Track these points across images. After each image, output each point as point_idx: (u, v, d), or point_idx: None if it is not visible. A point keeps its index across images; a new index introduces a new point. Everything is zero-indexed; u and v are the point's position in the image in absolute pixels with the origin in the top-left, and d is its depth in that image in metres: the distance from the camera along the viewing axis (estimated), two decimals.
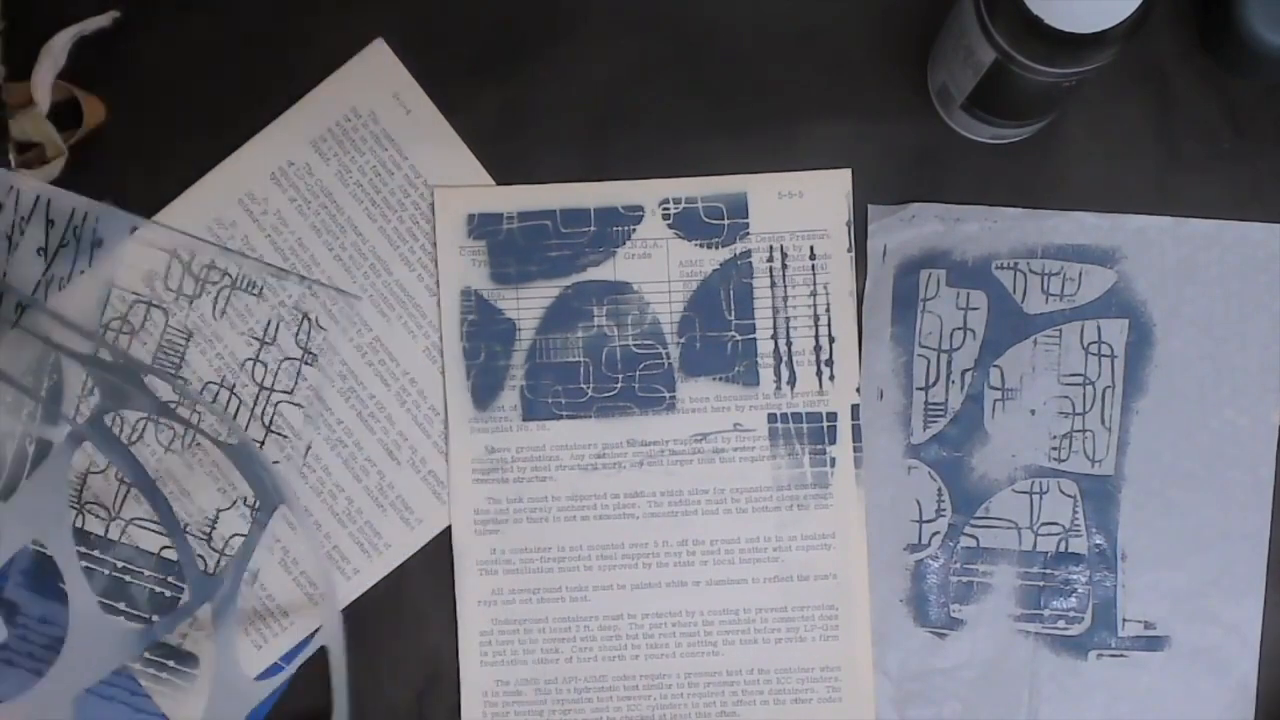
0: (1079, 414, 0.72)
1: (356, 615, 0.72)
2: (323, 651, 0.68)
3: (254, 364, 0.73)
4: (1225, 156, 0.72)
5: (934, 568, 0.72)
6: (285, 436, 0.73)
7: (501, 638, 0.72)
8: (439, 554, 0.72)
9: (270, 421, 0.73)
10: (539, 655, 0.72)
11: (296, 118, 0.73)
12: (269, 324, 0.73)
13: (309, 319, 0.73)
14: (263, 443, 0.72)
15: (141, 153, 0.73)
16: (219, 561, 0.72)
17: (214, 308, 0.73)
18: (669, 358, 0.72)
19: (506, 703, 0.72)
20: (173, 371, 0.73)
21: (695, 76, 0.73)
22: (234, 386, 0.73)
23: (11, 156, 0.72)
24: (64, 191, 0.72)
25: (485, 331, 0.73)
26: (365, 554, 0.72)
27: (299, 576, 0.72)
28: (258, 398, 0.73)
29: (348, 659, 0.72)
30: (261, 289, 0.73)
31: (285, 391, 0.73)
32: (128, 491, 0.72)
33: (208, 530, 0.72)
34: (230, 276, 0.73)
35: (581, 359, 0.73)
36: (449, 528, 0.73)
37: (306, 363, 0.73)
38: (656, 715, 0.72)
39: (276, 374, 0.73)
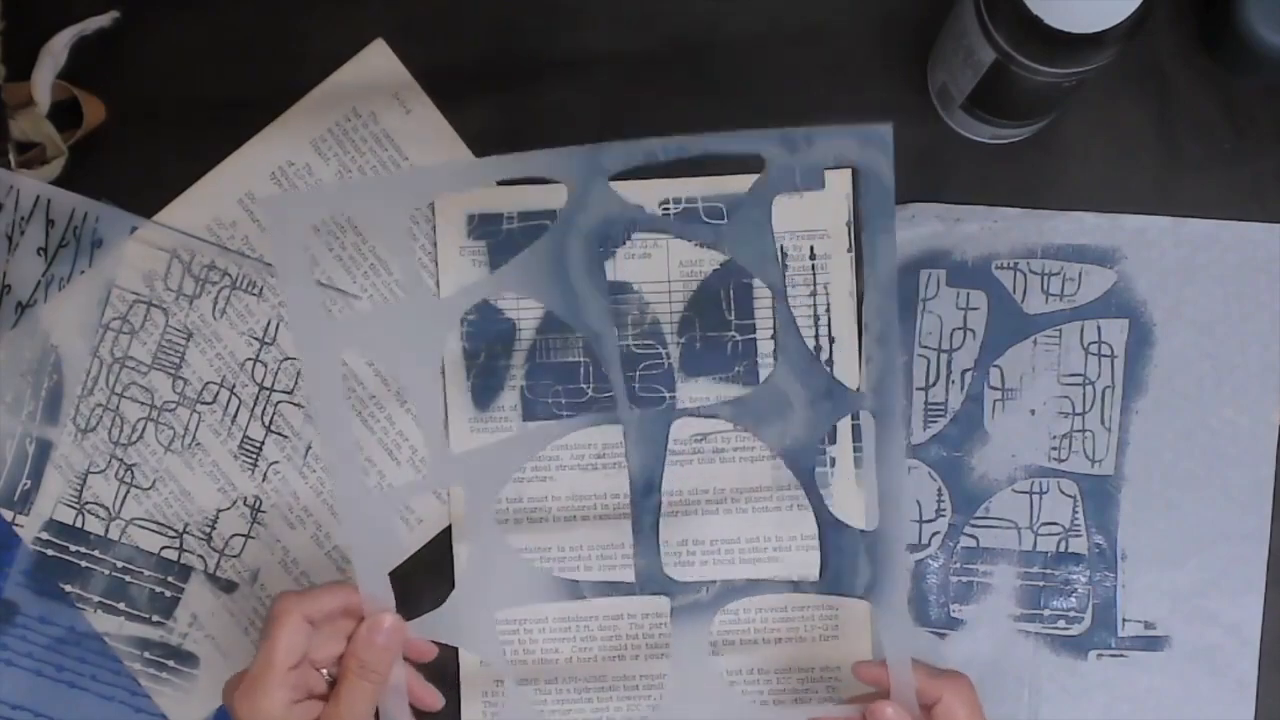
0: (1079, 414, 0.72)
1: None
2: None
3: (254, 364, 0.73)
4: (1225, 156, 0.72)
5: (934, 568, 0.72)
6: (285, 436, 0.73)
7: (502, 638, 0.72)
8: (439, 553, 0.72)
9: (270, 421, 0.73)
10: (539, 655, 0.72)
11: (297, 118, 0.73)
12: (269, 324, 0.73)
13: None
14: (263, 443, 0.72)
15: (141, 153, 0.73)
16: (218, 562, 0.72)
17: (214, 308, 0.73)
18: (669, 358, 0.72)
19: (507, 703, 0.72)
20: (173, 371, 0.73)
21: (695, 76, 0.73)
22: (234, 386, 0.73)
23: (11, 156, 0.72)
24: (64, 191, 0.72)
25: (485, 332, 0.73)
26: None
27: (299, 576, 0.72)
28: (258, 398, 0.73)
29: None
30: (261, 289, 0.73)
31: (285, 391, 0.73)
32: (127, 492, 0.72)
33: (207, 530, 0.72)
34: (230, 276, 0.73)
35: (581, 359, 0.73)
36: (449, 528, 0.73)
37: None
38: (657, 715, 0.72)
39: (276, 374, 0.73)
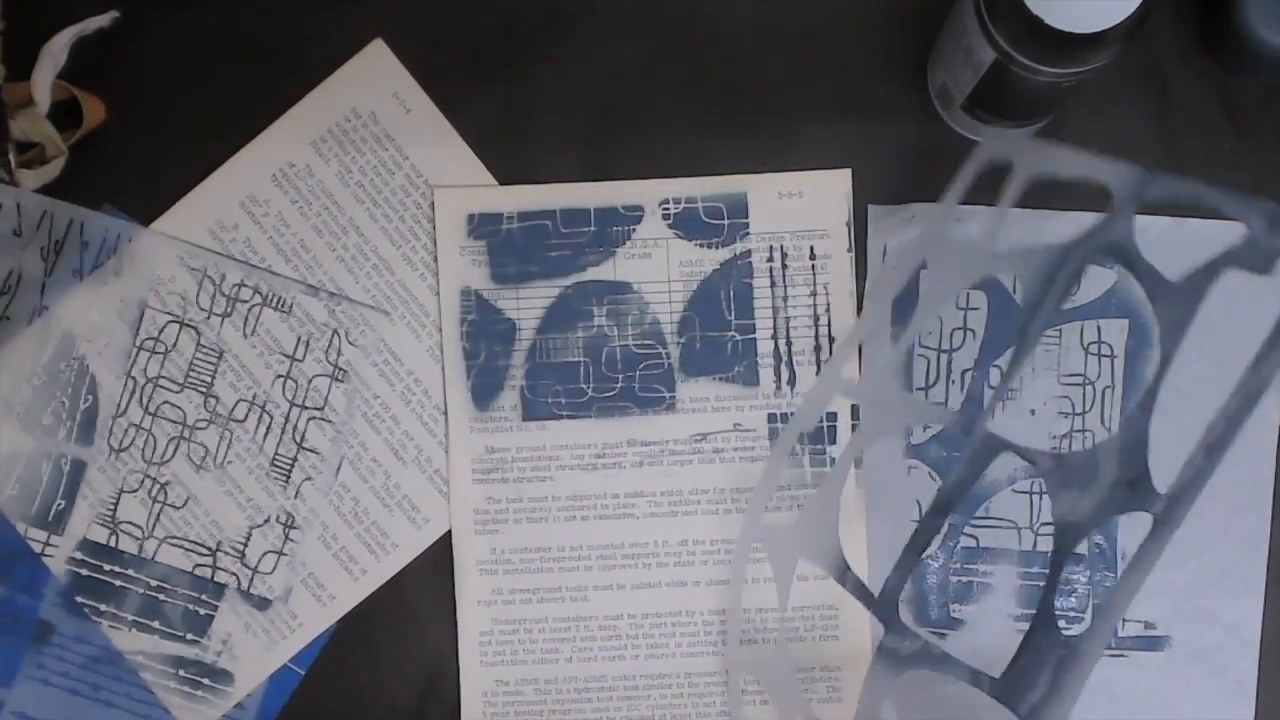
0: (1079, 414, 0.72)
1: (357, 615, 0.72)
2: (333, 651, 0.70)
3: (284, 381, 0.73)
4: (1225, 156, 0.72)
5: (934, 568, 0.72)
6: (317, 453, 0.72)
7: (501, 638, 0.72)
8: (439, 554, 0.72)
9: (302, 439, 0.72)
10: (539, 655, 0.72)
11: (297, 118, 0.73)
12: (298, 341, 0.73)
13: (338, 335, 0.73)
14: (294, 460, 0.72)
15: (142, 153, 0.73)
16: (251, 579, 0.72)
17: (244, 326, 0.73)
18: (669, 358, 0.73)
19: (506, 703, 0.72)
20: (204, 390, 0.73)
21: (695, 76, 0.73)
22: (265, 404, 0.72)
23: (11, 156, 0.72)
24: (98, 214, 0.72)
25: (485, 331, 0.73)
26: (373, 554, 0.72)
27: (306, 579, 0.72)
28: (289, 415, 0.73)
29: (348, 659, 0.72)
30: (291, 306, 0.73)
31: (316, 408, 0.73)
32: (160, 510, 0.72)
33: (240, 548, 0.72)
34: (260, 295, 0.73)
35: (581, 359, 0.73)
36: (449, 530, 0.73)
37: (336, 379, 0.73)
38: (656, 715, 0.72)
39: (307, 391, 0.73)
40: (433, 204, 0.73)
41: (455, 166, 0.73)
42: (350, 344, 0.73)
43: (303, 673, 0.72)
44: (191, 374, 0.73)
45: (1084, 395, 0.72)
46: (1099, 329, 0.72)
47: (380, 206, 0.73)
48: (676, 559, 0.72)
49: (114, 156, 0.73)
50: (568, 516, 0.72)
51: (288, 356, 0.73)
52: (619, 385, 0.73)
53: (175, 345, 0.73)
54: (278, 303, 0.73)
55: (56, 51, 0.72)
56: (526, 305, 0.73)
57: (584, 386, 0.73)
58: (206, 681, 0.72)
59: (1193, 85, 0.72)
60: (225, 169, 0.73)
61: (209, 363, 0.73)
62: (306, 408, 0.73)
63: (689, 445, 0.72)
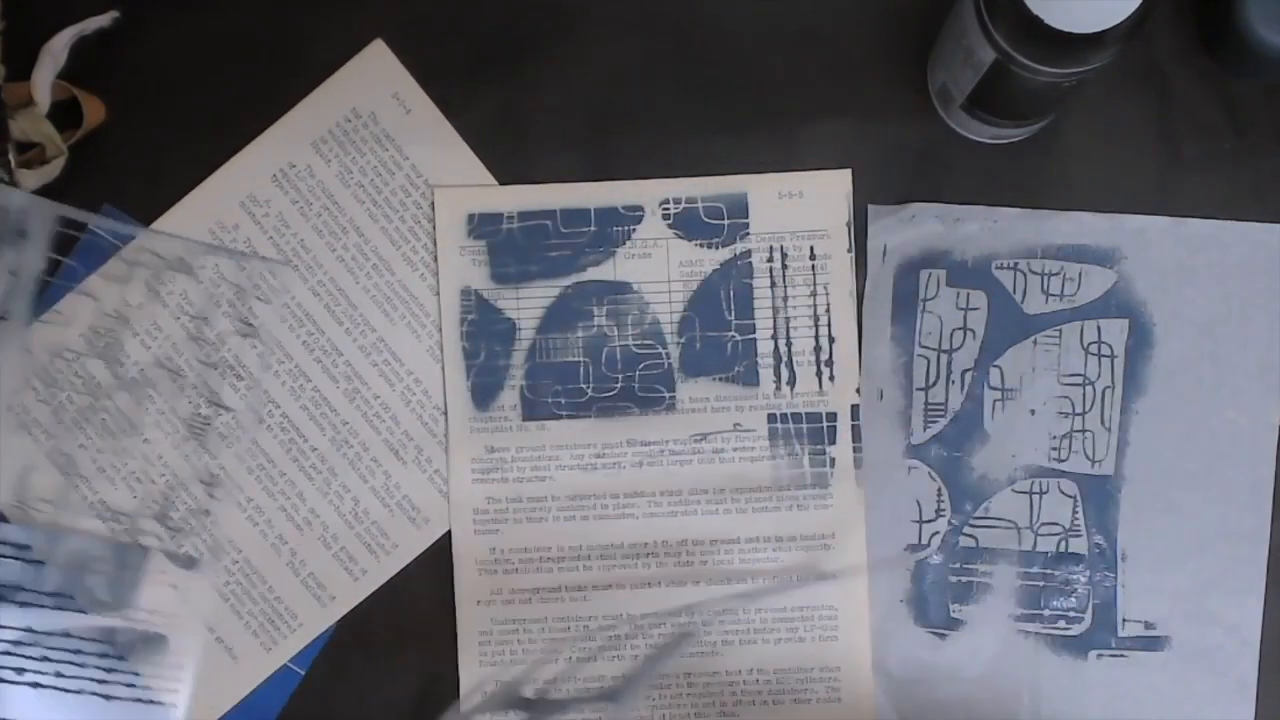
0: (1079, 414, 0.72)
1: (357, 615, 0.72)
2: (333, 651, 0.70)
3: (194, 342, 0.72)
4: (1225, 156, 0.72)
5: (934, 567, 0.72)
6: (232, 410, 0.72)
7: (501, 638, 0.72)
8: (439, 554, 0.72)
9: (217, 397, 0.72)
10: (539, 655, 0.72)
11: (297, 119, 0.73)
12: (205, 301, 0.72)
13: (245, 292, 0.72)
14: (210, 419, 0.72)
15: (142, 154, 0.73)
16: (176, 540, 0.71)
17: (146, 289, 0.72)
18: (669, 358, 0.73)
19: None
20: (110, 356, 0.71)
21: (695, 76, 0.73)
22: (177, 367, 0.72)
23: (11, 156, 0.72)
24: (95, 214, 0.72)
25: (485, 331, 0.73)
26: (373, 554, 0.72)
27: (306, 578, 0.72)
28: (201, 375, 0.72)
29: (348, 659, 0.72)
30: (193, 268, 0.72)
31: (230, 366, 0.72)
32: (74, 482, 0.71)
33: (162, 509, 0.71)
34: (161, 259, 0.72)
35: (581, 359, 0.73)
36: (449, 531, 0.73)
37: (245, 335, 0.72)
38: (656, 715, 0.72)
39: (219, 350, 0.72)
40: (433, 204, 0.73)
41: (455, 166, 0.73)
42: (258, 300, 0.72)
43: (303, 673, 0.72)
44: (94, 340, 0.72)
45: (1084, 395, 0.72)
46: (1099, 329, 0.72)
47: (380, 206, 0.73)
48: (676, 559, 0.72)
49: (114, 156, 0.73)
50: (567, 516, 0.72)
51: (193, 316, 0.72)
52: (619, 385, 0.73)
53: (75, 314, 0.72)
54: (180, 265, 0.71)
55: (56, 51, 0.72)
56: (526, 305, 0.73)
57: (584, 386, 0.73)
58: (139, 647, 0.71)
59: (1193, 85, 0.72)
60: (225, 169, 0.73)
61: (111, 329, 0.71)
62: (219, 367, 0.72)
63: (689, 445, 0.72)
